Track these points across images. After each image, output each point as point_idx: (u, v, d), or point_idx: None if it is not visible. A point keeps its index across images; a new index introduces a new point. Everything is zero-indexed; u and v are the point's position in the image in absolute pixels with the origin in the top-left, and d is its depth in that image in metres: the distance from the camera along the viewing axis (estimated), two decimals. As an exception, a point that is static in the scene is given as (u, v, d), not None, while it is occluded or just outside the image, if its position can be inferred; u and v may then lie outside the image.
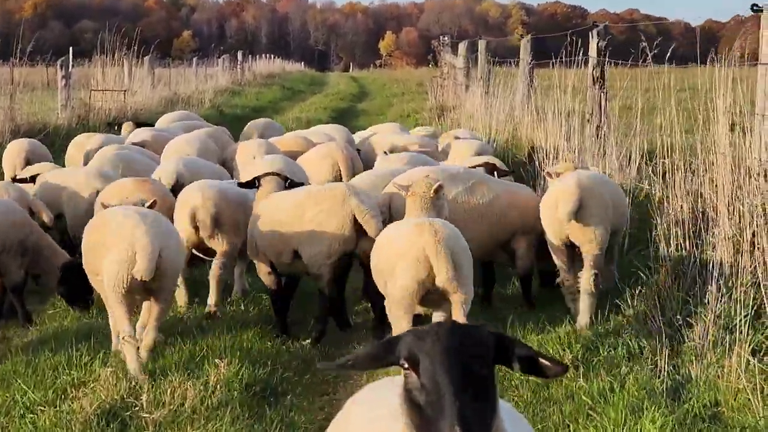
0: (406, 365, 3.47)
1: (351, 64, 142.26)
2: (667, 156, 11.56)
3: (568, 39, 16.86)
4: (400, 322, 8.95)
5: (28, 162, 16.21)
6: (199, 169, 13.43)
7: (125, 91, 31.33)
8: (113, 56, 32.17)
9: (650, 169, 12.73)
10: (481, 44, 27.42)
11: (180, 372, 8.93)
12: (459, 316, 8.82)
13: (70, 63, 30.58)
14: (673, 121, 11.97)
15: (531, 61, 21.50)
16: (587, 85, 15.94)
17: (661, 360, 8.54)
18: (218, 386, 8.60)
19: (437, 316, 9.29)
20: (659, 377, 8.39)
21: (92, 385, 8.74)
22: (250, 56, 75.72)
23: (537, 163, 15.63)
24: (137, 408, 8.25)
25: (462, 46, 31.81)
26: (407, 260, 8.85)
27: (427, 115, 30.20)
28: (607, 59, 15.65)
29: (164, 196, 11.71)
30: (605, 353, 9.17)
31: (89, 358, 9.49)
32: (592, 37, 15.62)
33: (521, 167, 16.51)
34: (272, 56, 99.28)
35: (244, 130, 19.62)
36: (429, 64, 43.24)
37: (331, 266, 10.36)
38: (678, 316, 9.14)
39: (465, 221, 10.59)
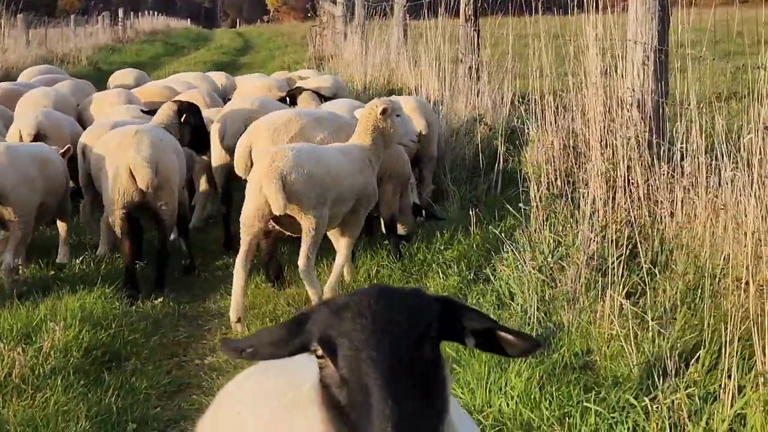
0: (320, 352, 2.64)
1: (238, 20, 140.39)
2: (539, 95, 10.97)
3: None
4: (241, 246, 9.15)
5: None
6: (59, 121, 12.58)
7: (-6, 48, 30.09)
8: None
9: (522, 108, 12.12)
10: (358, -7, 26.74)
11: (12, 339, 8.17)
12: (305, 242, 8.97)
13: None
14: (544, 63, 11.39)
15: (406, 5, 20.88)
16: (460, 24, 15.22)
17: (531, 307, 7.95)
18: (53, 352, 7.84)
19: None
20: (529, 325, 7.80)
21: None
22: (132, 13, 74.00)
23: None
24: (-40, 379, 7.47)
25: (341, -5, 31.09)
26: (249, 187, 9.05)
27: (306, 65, 29.42)
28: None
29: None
30: (473, 301, 8.58)
31: None
32: None
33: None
34: (157, 13, 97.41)
35: (109, 81, 18.61)
36: (308, 14, 42.39)
37: None
38: (549, 259, 8.56)
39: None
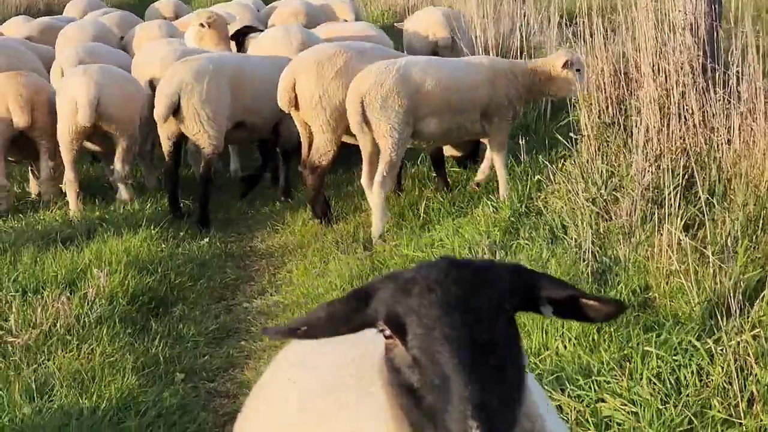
0: (387, 331, 2.41)
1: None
2: (587, 17, 10.57)
3: None
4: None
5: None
6: (101, 54, 12.41)
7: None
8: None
9: (570, 31, 11.71)
10: None
11: (56, 287, 8.02)
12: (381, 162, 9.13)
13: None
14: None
15: None
16: None
17: (585, 241, 7.67)
18: (98, 300, 7.68)
19: None
20: (584, 260, 7.54)
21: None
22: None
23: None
24: (2, 332, 7.32)
25: None
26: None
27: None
28: None
29: (41, 88, 10.94)
30: (526, 234, 8.32)
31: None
32: None
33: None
34: None
35: (147, 11, 18.36)
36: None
37: None
38: (603, 191, 8.29)
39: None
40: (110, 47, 13.34)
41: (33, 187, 11.55)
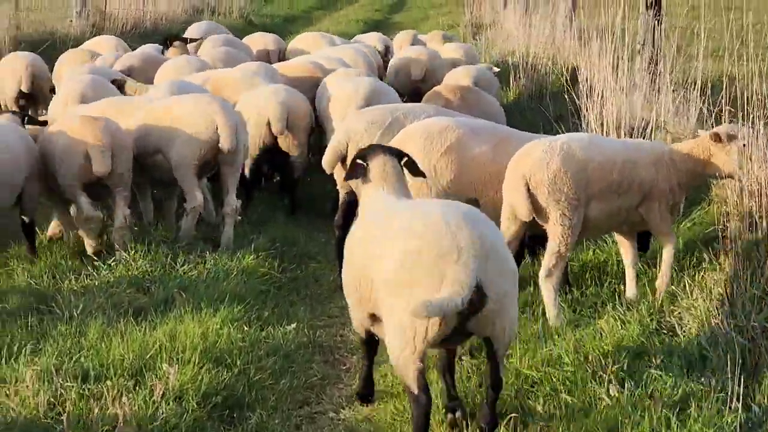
0: None
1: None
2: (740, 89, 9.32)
3: None
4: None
5: (33, 80, 14.55)
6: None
7: (143, -3, 29.10)
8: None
9: (713, 116, 10.44)
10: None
11: (121, 374, 7.09)
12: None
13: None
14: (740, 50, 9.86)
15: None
16: (640, 11, 13.50)
17: (731, 382, 6.53)
18: (164, 402, 6.71)
19: None
20: (730, 407, 6.41)
21: (7, 388, 6.94)
22: (287, -39, 73.07)
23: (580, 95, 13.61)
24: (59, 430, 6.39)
25: (503, -43, 29.48)
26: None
27: (462, 31, 27.94)
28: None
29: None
30: (658, 361, 7.18)
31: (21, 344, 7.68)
32: None
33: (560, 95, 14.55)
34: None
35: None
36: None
37: None
38: (754, 322, 7.15)
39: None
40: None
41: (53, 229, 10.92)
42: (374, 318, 6.61)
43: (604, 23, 14.45)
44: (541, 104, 15.31)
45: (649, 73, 12.67)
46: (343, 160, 9.47)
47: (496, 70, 15.12)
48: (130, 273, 9.39)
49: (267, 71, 13.30)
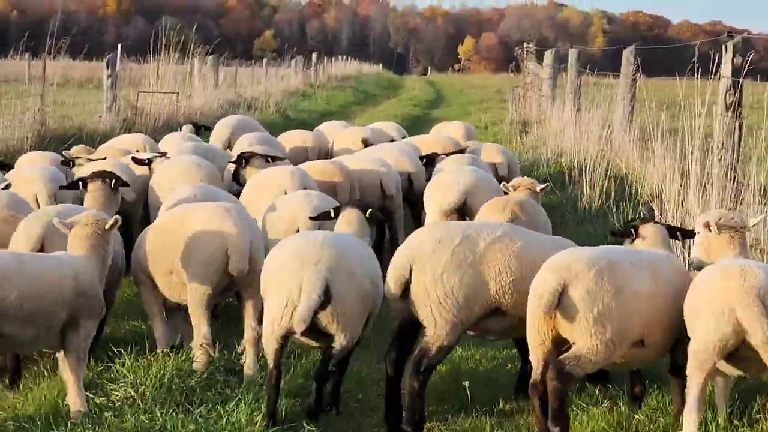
0: None
1: (429, 67, 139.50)
2: None
3: (697, 52, 13.21)
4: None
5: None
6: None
7: (177, 93, 28.33)
8: (168, 53, 29.46)
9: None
10: (572, 53, 23.94)
11: None
12: None
13: (118, 60, 27.33)
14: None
15: (635, 72, 17.95)
16: (718, 112, 12.02)
17: None
18: None
19: None
20: None
21: None
22: (325, 57, 73.33)
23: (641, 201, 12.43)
24: None
25: (549, 55, 28.52)
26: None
27: (507, 129, 26.93)
28: (743, 80, 11.90)
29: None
30: None
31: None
32: (726, 51, 12.01)
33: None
34: (349, 58, 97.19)
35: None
36: (510, 71, 40.08)
37: None
38: None
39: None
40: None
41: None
42: None
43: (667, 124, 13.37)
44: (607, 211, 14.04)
45: (731, 181, 11.33)
46: (407, 286, 7.99)
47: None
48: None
49: (296, 175, 11.97)
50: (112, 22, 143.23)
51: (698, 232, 8.02)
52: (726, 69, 11.88)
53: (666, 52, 15.17)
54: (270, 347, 7.97)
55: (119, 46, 29.00)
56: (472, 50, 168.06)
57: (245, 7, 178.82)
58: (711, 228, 7.83)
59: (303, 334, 7.84)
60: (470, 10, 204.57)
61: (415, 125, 32.53)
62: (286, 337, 7.98)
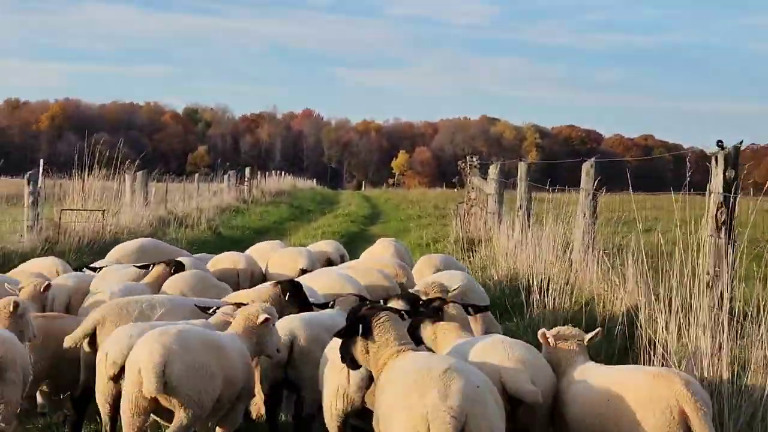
0: None
1: (363, 182, 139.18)
2: None
3: (689, 164, 11.70)
4: None
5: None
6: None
7: (103, 211, 26.68)
8: (98, 169, 27.97)
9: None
10: (522, 167, 22.64)
11: None
12: None
13: (40, 176, 25.70)
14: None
15: (595, 187, 16.56)
16: (708, 233, 10.57)
17: None
18: None
19: None
20: None
21: None
22: (259, 173, 72.39)
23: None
24: None
25: (493, 169, 27.26)
26: None
27: (451, 247, 25.50)
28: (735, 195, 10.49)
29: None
30: None
31: None
32: (716, 164, 10.63)
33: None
34: (283, 173, 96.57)
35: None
36: (452, 185, 38.90)
37: None
38: None
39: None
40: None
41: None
42: None
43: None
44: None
45: (721, 309, 9.85)
46: None
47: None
48: None
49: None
50: (44, 137, 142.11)
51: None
52: (716, 183, 10.42)
53: (621, 167, 14.05)
54: None
55: (41, 161, 27.51)
56: (405, 164, 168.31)
57: (179, 122, 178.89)
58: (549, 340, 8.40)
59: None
60: (403, 124, 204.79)
61: (355, 243, 31.12)
62: None
